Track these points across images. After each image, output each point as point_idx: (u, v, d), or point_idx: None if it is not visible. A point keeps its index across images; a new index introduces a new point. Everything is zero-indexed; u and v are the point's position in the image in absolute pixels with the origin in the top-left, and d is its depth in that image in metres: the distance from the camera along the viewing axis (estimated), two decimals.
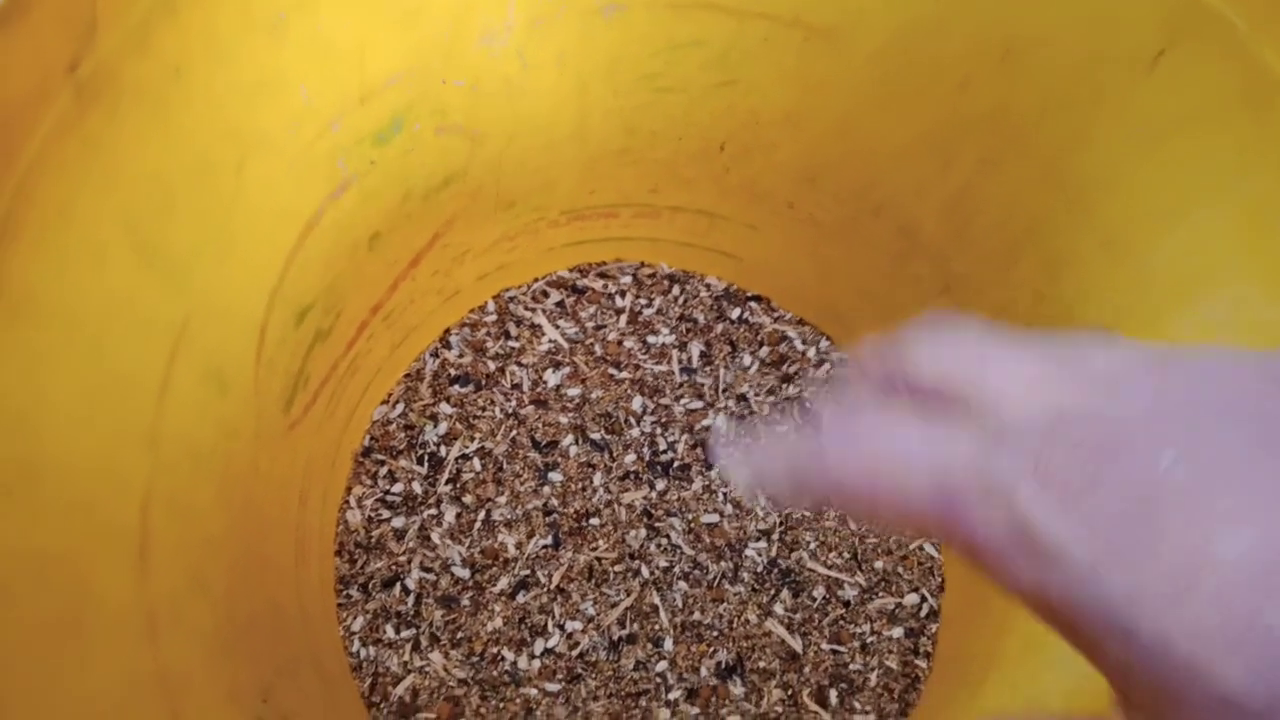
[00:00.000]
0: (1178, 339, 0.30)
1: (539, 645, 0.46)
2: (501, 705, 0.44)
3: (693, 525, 0.49)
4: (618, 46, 0.36)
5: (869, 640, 0.47)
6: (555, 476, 0.48)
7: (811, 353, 0.52)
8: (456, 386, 0.49)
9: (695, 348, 0.52)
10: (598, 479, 0.49)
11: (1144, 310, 0.32)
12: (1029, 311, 0.37)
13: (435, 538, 0.46)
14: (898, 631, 0.47)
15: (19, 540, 0.21)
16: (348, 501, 0.46)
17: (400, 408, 0.48)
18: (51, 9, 0.20)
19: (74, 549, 0.23)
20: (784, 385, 0.52)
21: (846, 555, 0.49)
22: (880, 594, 0.48)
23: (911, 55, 0.33)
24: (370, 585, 0.45)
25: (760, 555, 0.49)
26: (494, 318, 0.50)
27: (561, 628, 0.46)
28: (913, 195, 0.39)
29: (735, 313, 0.52)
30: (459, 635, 0.45)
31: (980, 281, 0.39)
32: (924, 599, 0.48)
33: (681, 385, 0.51)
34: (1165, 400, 0.13)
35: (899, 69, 0.34)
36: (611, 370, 0.51)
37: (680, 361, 0.51)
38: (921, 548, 0.49)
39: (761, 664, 0.47)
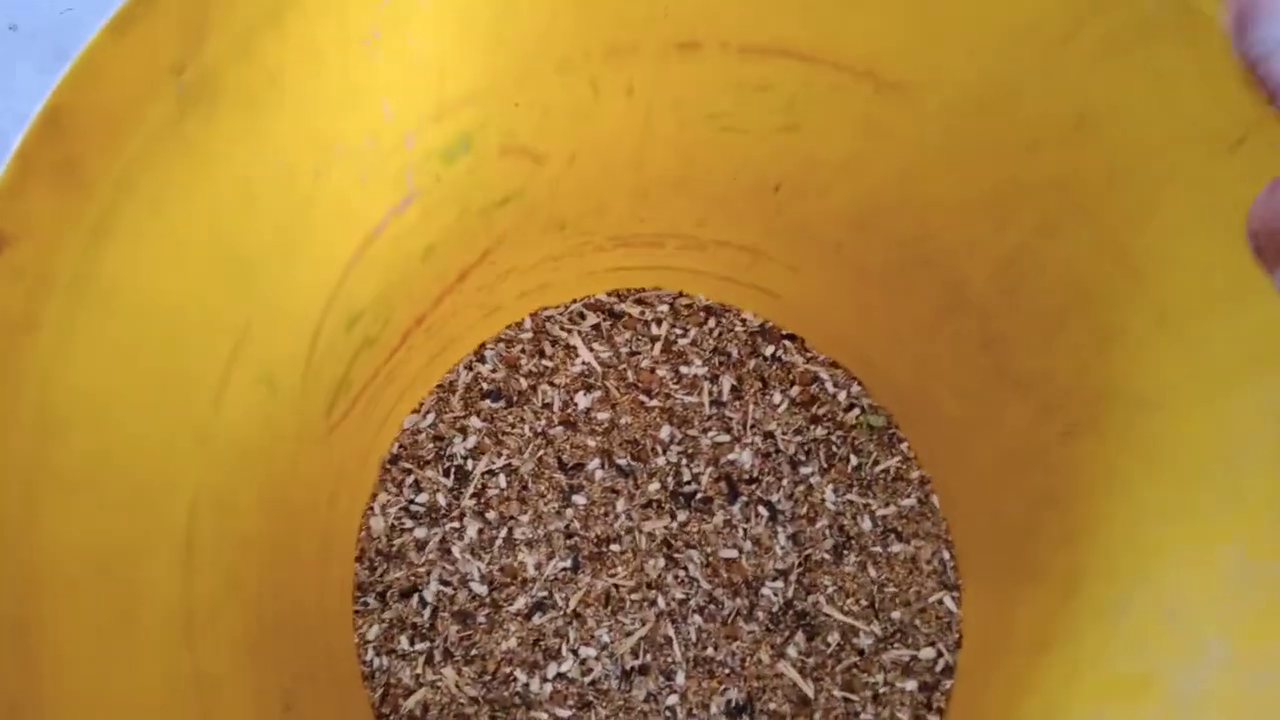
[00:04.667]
0: (1231, 422, 0.30)
1: (552, 669, 0.45)
2: None
3: (711, 559, 0.49)
4: (688, 84, 0.36)
5: (881, 690, 0.47)
6: (579, 499, 0.48)
7: (842, 396, 0.52)
8: (488, 401, 0.49)
9: (727, 381, 0.52)
10: (620, 505, 0.49)
11: (1196, 389, 0.32)
12: (1071, 380, 0.37)
13: (455, 551, 0.46)
14: (911, 684, 0.47)
15: (85, 535, 0.21)
16: (372, 508, 0.46)
17: (431, 418, 0.48)
18: (170, 13, 0.20)
19: (131, 546, 0.23)
20: (812, 426, 0.52)
21: (864, 602, 0.49)
22: (896, 645, 0.48)
23: (982, 114, 0.33)
24: (388, 594, 0.45)
25: (777, 595, 0.49)
26: (530, 335, 0.50)
27: (575, 653, 0.46)
28: (965, 251, 0.39)
29: (769, 350, 0.52)
30: (473, 652, 0.45)
31: (1024, 345, 0.39)
32: (940, 654, 0.48)
33: (710, 418, 0.51)
34: None
35: (967, 126, 0.34)
36: (642, 397, 0.51)
37: (711, 394, 0.51)
38: (940, 601, 0.49)
39: (772, 706, 0.47)
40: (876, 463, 0.51)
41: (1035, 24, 0.29)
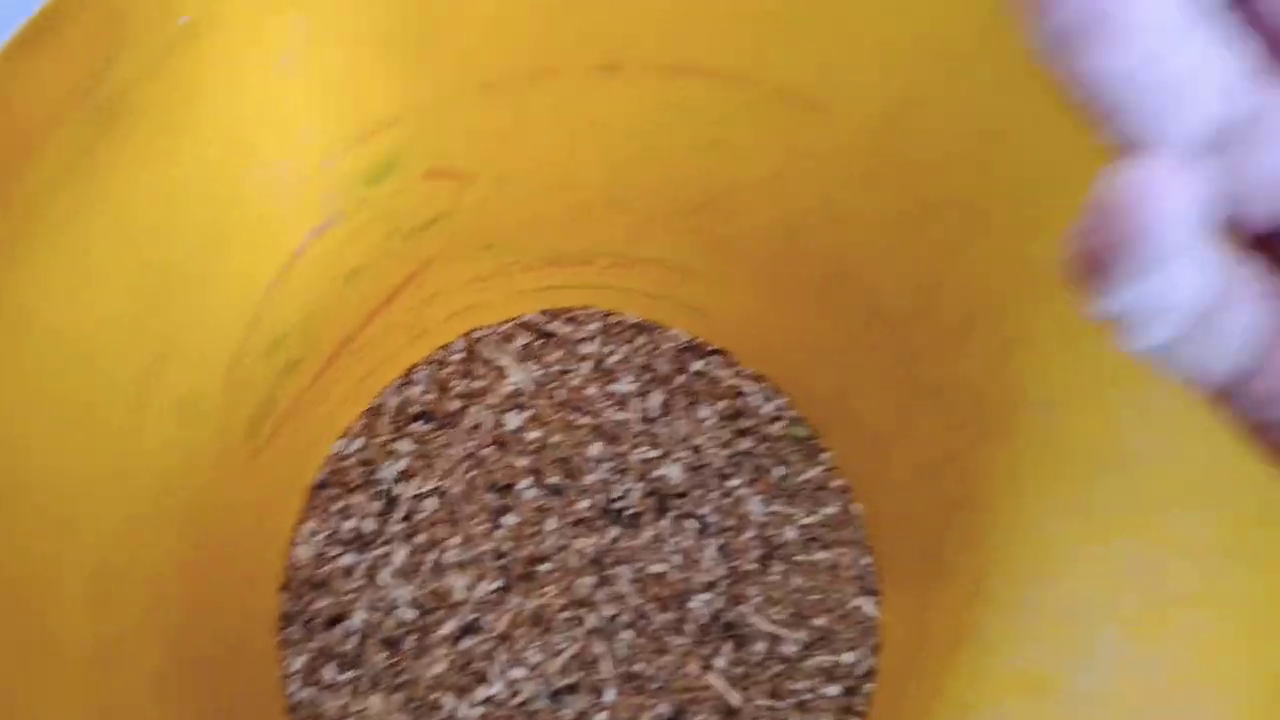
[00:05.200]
0: (1124, 422, 0.32)
1: (480, 692, 0.45)
2: None
3: (640, 574, 0.49)
4: (611, 104, 0.37)
5: (806, 697, 0.48)
6: (509, 520, 0.48)
7: (768, 409, 0.53)
8: (418, 424, 0.48)
9: (656, 397, 0.52)
10: (551, 524, 0.49)
11: (1091, 391, 0.34)
12: (980, 388, 0.39)
13: (384, 577, 0.46)
14: (834, 689, 0.48)
15: None
16: (298, 536, 0.45)
17: (359, 442, 0.47)
18: (81, 30, 0.20)
19: (40, 578, 0.22)
20: (739, 439, 0.53)
21: (789, 610, 0.50)
22: (819, 651, 0.49)
23: (896, 132, 0.34)
24: (314, 623, 0.44)
25: (705, 607, 0.49)
26: (460, 356, 0.50)
27: (504, 675, 0.46)
28: (881, 267, 0.40)
29: (696, 365, 0.53)
30: (400, 679, 0.44)
31: (936, 355, 0.41)
32: (861, 658, 0.49)
33: (640, 434, 0.51)
34: None
35: (882, 145, 0.35)
36: (572, 416, 0.51)
37: (640, 410, 0.52)
38: (860, 607, 0.50)
39: (700, 718, 0.47)
40: (800, 473, 0.52)
41: (943, 44, 0.31)
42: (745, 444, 0.52)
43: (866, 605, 0.50)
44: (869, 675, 0.49)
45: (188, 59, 0.24)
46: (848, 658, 0.49)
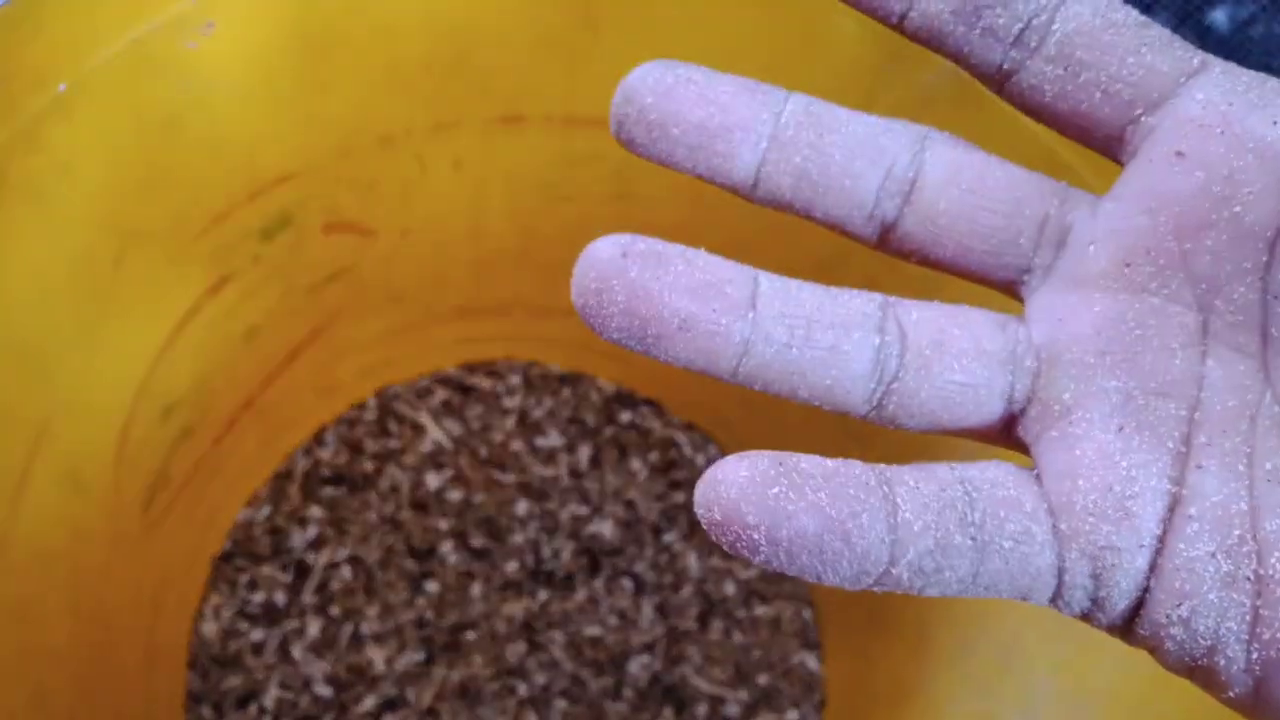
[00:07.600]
0: None
1: None
2: None
3: (575, 639, 0.50)
4: (515, 155, 0.38)
5: None
6: (431, 586, 0.49)
7: (700, 459, 0.54)
8: (329, 488, 0.49)
9: (584, 451, 0.53)
10: (476, 589, 0.49)
11: None
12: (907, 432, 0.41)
13: (297, 653, 0.46)
14: None
15: None
16: (203, 611, 0.45)
17: (267, 509, 0.47)
18: None
19: None
20: (672, 491, 0.54)
21: (730, 670, 0.50)
22: (763, 710, 0.50)
23: None
24: (224, 704, 0.44)
25: (644, 670, 0.50)
26: (374, 415, 0.51)
27: None
28: None
29: (626, 416, 0.54)
30: None
31: None
32: (804, 716, 0.50)
33: (569, 490, 0.52)
34: None
35: None
36: (496, 473, 0.52)
37: (568, 465, 0.53)
38: (803, 662, 0.51)
39: None
40: None
41: (834, 98, 0.33)
42: (679, 496, 0.54)
43: (809, 660, 0.51)
44: None
45: (62, 130, 0.25)
46: (792, 716, 0.50)
